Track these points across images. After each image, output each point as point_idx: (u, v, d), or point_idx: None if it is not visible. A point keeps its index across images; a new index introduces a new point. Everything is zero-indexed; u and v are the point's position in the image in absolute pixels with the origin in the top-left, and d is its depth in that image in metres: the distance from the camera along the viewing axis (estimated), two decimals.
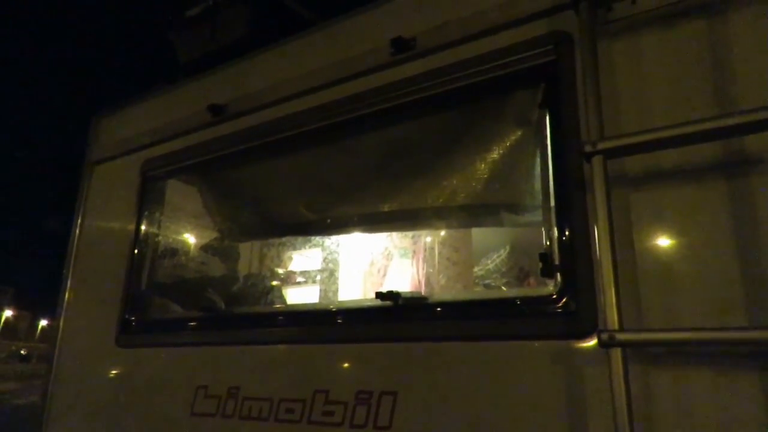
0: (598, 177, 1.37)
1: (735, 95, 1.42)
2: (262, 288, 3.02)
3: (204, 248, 2.81)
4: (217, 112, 2.48)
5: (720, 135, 1.29)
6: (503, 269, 3.35)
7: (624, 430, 1.18)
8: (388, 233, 2.78)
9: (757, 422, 1.22)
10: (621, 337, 1.23)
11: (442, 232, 2.71)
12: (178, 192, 2.77)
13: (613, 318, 1.27)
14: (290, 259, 3.53)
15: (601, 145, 1.38)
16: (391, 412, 1.70)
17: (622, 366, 1.23)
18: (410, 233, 2.73)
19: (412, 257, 2.85)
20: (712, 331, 1.18)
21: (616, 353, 1.23)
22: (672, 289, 1.38)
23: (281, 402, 1.94)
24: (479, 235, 3.02)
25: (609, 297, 1.29)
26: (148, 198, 2.70)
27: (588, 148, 1.39)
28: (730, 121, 1.25)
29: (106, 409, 2.44)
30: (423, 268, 3.01)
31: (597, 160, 1.38)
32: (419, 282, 2.98)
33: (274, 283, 3.22)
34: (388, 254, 3.22)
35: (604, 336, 1.24)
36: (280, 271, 3.41)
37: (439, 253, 2.78)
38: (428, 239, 2.90)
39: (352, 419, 1.76)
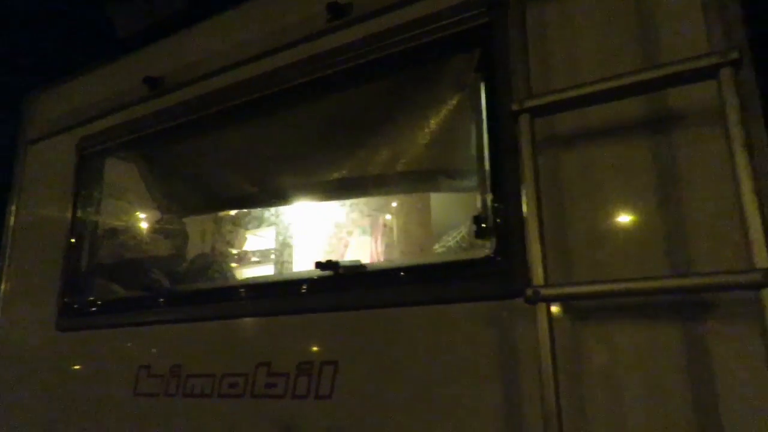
0: (525, 135, 1.37)
1: (662, 49, 1.42)
2: (213, 268, 2.96)
3: (148, 228, 2.73)
4: (154, 85, 2.40)
5: (644, 89, 1.30)
6: (464, 246, 3.36)
7: (549, 386, 1.19)
8: (348, 211, 2.75)
9: (681, 372, 1.25)
10: (545, 292, 1.24)
11: (401, 209, 2.70)
12: (118, 170, 2.68)
13: (538, 274, 1.27)
14: (244, 239, 3.47)
15: (527, 104, 1.38)
16: (332, 381, 1.69)
17: (547, 321, 1.24)
18: (369, 212, 2.71)
19: (372, 235, 2.83)
20: (633, 281, 1.18)
21: (542, 308, 1.24)
22: (601, 246, 1.39)
23: (224, 377, 1.91)
24: (440, 213, 3.01)
25: (535, 254, 1.29)
26: (85, 177, 2.60)
27: (515, 107, 1.38)
28: (654, 74, 1.25)
29: (48, 394, 2.38)
30: (382, 247, 3.00)
31: (524, 119, 1.38)
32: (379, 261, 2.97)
33: (228, 262, 3.16)
34: (347, 233, 3.20)
35: (529, 292, 1.25)
36: (234, 251, 3.35)
37: (399, 231, 2.77)
38: (388, 217, 2.88)
39: (294, 390, 1.75)
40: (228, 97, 2.19)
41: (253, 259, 3.44)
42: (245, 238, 3.47)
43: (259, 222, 3.37)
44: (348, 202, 2.11)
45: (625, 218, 1.38)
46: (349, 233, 3.02)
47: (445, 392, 1.51)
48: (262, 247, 3.50)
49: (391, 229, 2.98)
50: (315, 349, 1.76)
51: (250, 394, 1.84)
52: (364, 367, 1.66)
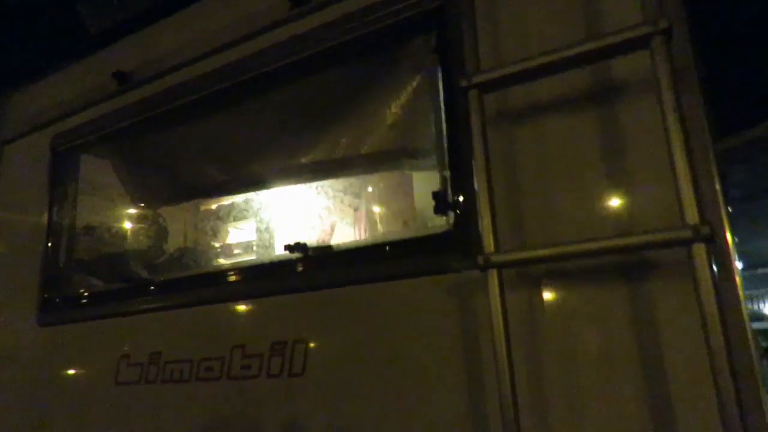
0: (475, 110, 1.42)
1: (606, 21, 1.47)
2: (194, 261, 3.00)
3: (125, 222, 2.76)
4: (123, 80, 2.43)
5: (582, 61, 1.35)
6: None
7: (501, 352, 1.25)
8: (328, 202, 2.78)
9: (630, 330, 1.31)
10: (496, 258, 1.29)
11: (382, 191, 2.73)
12: (92, 166, 2.71)
13: (489, 242, 1.33)
14: (226, 232, 3.50)
15: (475, 79, 1.42)
16: (304, 359, 1.74)
17: (499, 287, 1.29)
18: (352, 204, 2.75)
19: (354, 225, 2.87)
20: (578, 243, 1.23)
21: (493, 275, 1.29)
22: (552, 215, 1.45)
23: (201, 361, 1.96)
24: (425, 202, 3.03)
25: (485, 223, 1.34)
26: (60, 174, 2.62)
27: (464, 83, 1.43)
28: (590, 46, 1.30)
29: (32, 388, 2.41)
30: (367, 229, 3.03)
31: (473, 94, 1.43)
32: None
33: (211, 256, 3.20)
34: (331, 225, 3.24)
35: (480, 259, 1.30)
36: (216, 244, 3.38)
37: (381, 223, 2.80)
38: (375, 209, 2.91)
39: (268, 370, 1.80)
40: (195, 88, 2.22)
41: (236, 251, 3.48)
42: (228, 232, 3.50)
43: (241, 215, 3.40)
44: (332, 190, 2.15)
45: (574, 187, 1.44)
46: (332, 225, 3.07)
47: (412, 364, 1.56)
48: (245, 239, 3.53)
49: (375, 223, 3.02)
50: (287, 329, 1.81)
51: (226, 376, 1.88)
52: (334, 343, 1.72)
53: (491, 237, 1.33)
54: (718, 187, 1.29)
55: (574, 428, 1.29)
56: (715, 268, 1.10)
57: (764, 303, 14.69)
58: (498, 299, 1.28)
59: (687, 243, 1.11)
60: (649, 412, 1.23)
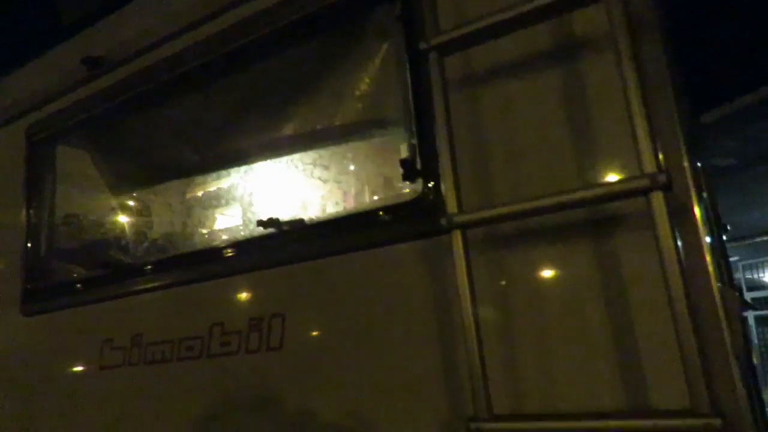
0: (435, 72, 1.40)
1: None
2: (182, 247, 2.99)
3: (106, 210, 2.75)
4: (93, 65, 2.40)
5: (539, 16, 1.33)
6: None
7: (467, 313, 1.24)
8: (298, 176, 2.78)
9: (598, 287, 1.30)
10: (459, 219, 1.29)
11: (353, 172, 2.72)
12: (70, 154, 2.69)
13: (452, 202, 1.32)
14: (212, 218, 3.49)
15: (434, 41, 1.40)
16: (282, 334, 1.74)
17: (463, 247, 1.28)
18: (322, 176, 2.74)
19: (325, 197, 2.85)
20: (538, 198, 1.21)
21: (457, 236, 1.29)
22: (517, 173, 1.44)
23: (182, 341, 1.96)
24: (396, 170, 3.03)
25: (448, 183, 1.33)
26: (37, 164, 2.61)
27: (423, 45, 1.41)
28: (545, 1, 1.28)
29: (18, 377, 2.42)
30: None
31: (433, 56, 1.41)
32: None
33: (194, 241, 3.19)
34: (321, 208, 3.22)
35: (443, 220, 1.29)
36: (204, 231, 3.37)
37: (353, 193, 2.79)
38: (346, 180, 2.90)
39: (247, 346, 1.80)
40: (165, 70, 2.20)
41: (224, 237, 3.47)
42: (214, 218, 3.49)
43: (226, 201, 3.39)
44: (301, 164, 2.12)
45: (540, 144, 1.42)
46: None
47: (386, 331, 1.56)
48: (232, 224, 3.52)
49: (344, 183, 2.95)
50: (264, 304, 1.81)
51: (206, 354, 1.89)
52: (310, 316, 1.71)
53: (454, 197, 1.32)
54: (681, 137, 1.28)
55: (543, 383, 1.29)
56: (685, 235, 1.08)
57: (764, 272, 14.72)
58: (462, 260, 1.27)
59: (644, 192, 1.10)
60: (618, 367, 1.23)
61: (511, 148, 1.46)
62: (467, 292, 1.25)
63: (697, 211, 1.22)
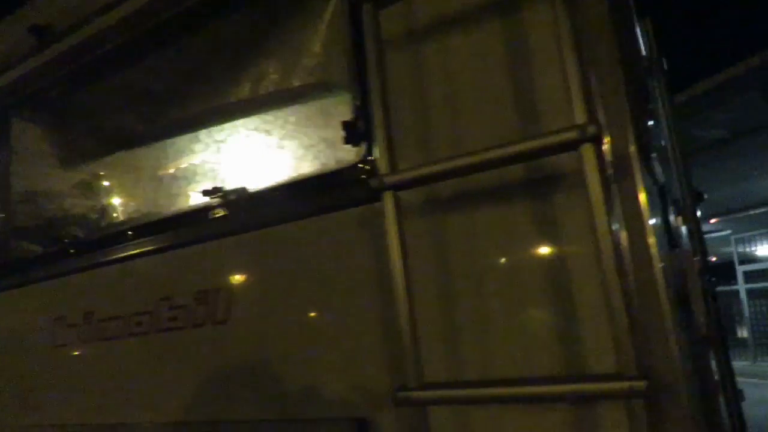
0: (369, 26, 1.33)
1: None
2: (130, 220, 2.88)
3: (63, 184, 2.67)
4: (41, 34, 2.31)
5: None
6: None
7: (398, 280, 1.18)
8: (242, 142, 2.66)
9: (533, 244, 1.24)
10: (390, 179, 1.22)
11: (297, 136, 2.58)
12: (23, 128, 2.61)
13: (384, 163, 1.25)
14: (161, 189, 3.34)
15: None
16: (227, 306, 1.68)
17: (394, 210, 1.22)
18: (266, 142, 2.60)
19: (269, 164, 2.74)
20: (469, 155, 1.15)
21: (389, 198, 1.22)
22: (458, 129, 1.37)
23: (132, 317, 1.91)
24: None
25: (380, 142, 1.27)
26: None
27: None
28: None
29: None
30: None
31: (367, 9, 1.33)
32: None
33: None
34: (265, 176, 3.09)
35: (374, 182, 1.23)
36: (151, 202, 3.24)
37: (296, 159, 2.67)
38: (290, 145, 2.75)
39: (194, 320, 1.75)
40: (111, 37, 2.11)
41: (171, 208, 3.31)
42: (162, 189, 3.36)
43: (201, 177, 3.31)
44: (244, 129, 2.03)
45: (482, 100, 1.35)
46: None
47: (329, 299, 1.51)
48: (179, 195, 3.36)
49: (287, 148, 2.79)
50: (210, 277, 1.75)
51: (155, 330, 1.84)
52: (256, 287, 1.66)
53: (386, 158, 1.26)
54: (623, 90, 1.21)
55: (481, 350, 1.24)
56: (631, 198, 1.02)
57: (756, 245, 14.73)
58: (394, 223, 1.21)
59: (574, 145, 1.03)
60: (555, 333, 1.17)
61: (452, 104, 1.39)
62: (398, 257, 1.19)
63: (636, 169, 1.15)
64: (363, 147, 1.52)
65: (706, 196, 3.54)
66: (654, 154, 1.46)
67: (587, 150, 1.02)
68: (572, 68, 1.07)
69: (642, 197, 1.13)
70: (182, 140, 2.05)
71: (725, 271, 16.85)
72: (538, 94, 1.28)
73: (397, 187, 1.22)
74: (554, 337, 1.17)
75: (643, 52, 2.67)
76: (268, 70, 1.80)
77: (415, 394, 1.12)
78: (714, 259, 21.62)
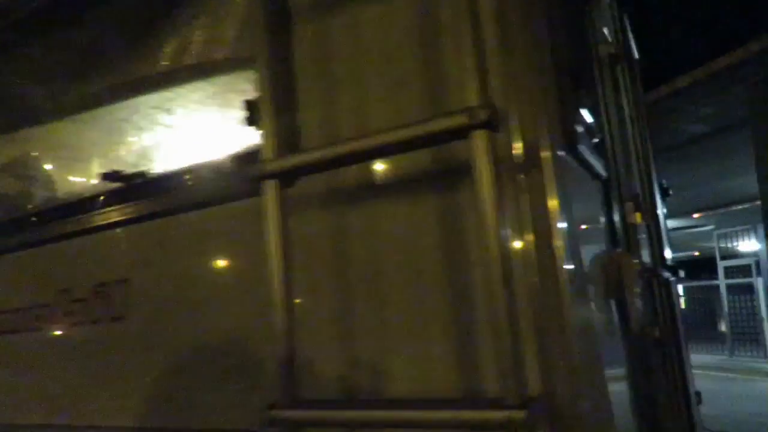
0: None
1: None
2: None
3: None
4: None
5: None
6: None
7: (276, 282, 1.04)
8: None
9: (434, 235, 1.10)
10: (270, 167, 1.07)
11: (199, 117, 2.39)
12: None
13: (269, 148, 1.10)
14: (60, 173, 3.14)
15: None
16: (126, 301, 1.53)
17: (275, 201, 1.06)
18: (165, 122, 2.41)
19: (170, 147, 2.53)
20: (356, 140, 1.00)
21: (270, 188, 1.07)
22: (362, 111, 1.22)
23: (30, 310, 1.75)
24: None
25: (266, 125, 1.12)
26: None
27: None
28: None
29: None
30: None
31: None
32: None
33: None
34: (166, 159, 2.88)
35: (254, 169, 1.08)
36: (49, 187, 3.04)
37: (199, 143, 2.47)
38: (192, 127, 2.54)
39: (91, 315, 1.60)
40: (14, 9, 1.93)
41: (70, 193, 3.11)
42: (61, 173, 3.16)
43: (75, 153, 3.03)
44: (143, 107, 1.85)
45: (384, 80, 1.20)
46: None
47: (225, 290, 1.37)
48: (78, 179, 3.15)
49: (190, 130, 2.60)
50: (110, 268, 1.60)
51: (52, 323, 1.69)
52: (153, 281, 1.51)
53: (271, 142, 1.10)
54: (536, 72, 1.06)
55: (374, 366, 1.10)
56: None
57: (738, 240, 14.76)
58: (274, 218, 1.05)
59: (464, 131, 0.88)
60: (451, 351, 1.03)
61: (361, 84, 1.24)
62: (278, 257, 1.04)
63: (547, 161, 1.01)
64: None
65: (671, 192, 3.42)
66: (584, 145, 1.31)
67: (479, 137, 0.87)
68: (468, 46, 0.92)
69: (550, 193, 0.99)
70: (82, 120, 1.87)
71: (708, 266, 16.92)
72: (451, 76, 1.13)
73: (277, 176, 1.06)
74: (452, 353, 1.03)
75: (609, 39, 2.53)
76: (170, 45, 1.63)
77: (287, 413, 0.98)
78: (697, 254, 21.74)
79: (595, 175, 1.61)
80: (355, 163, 1.05)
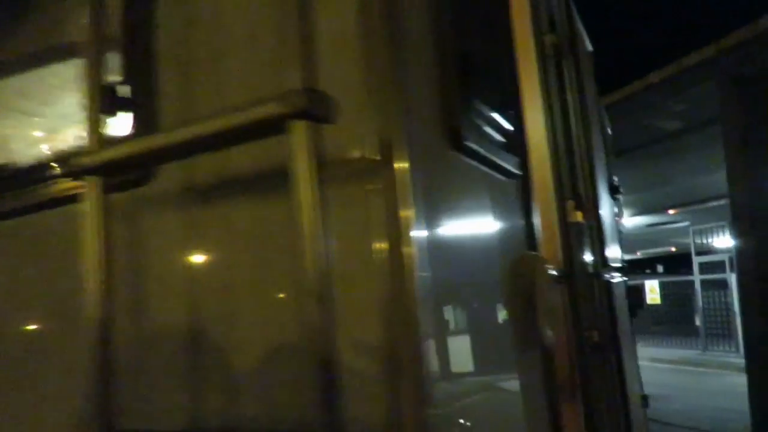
0: None
1: None
2: None
3: None
4: None
5: None
6: None
7: (92, 293, 0.89)
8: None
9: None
10: (86, 160, 0.92)
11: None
12: None
13: (94, 139, 0.95)
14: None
15: None
16: None
17: (97, 200, 0.92)
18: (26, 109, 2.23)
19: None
20: (165, 134, 0.86)
21: (89, 184, 0.92)
22: (222, 95, 1.08)
23: None
24: None
25: (89, 113, 0.97)
26: None
27: None
28: None
29: None
30: None
31: None
32: None
33: None
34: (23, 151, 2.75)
35: (67, 164, 0.93)
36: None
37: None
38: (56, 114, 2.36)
39: None
40: None
41: None
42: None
43: None
44: None
45: (245, 63, 1.06)
46: None
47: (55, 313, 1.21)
48: None
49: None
50: None
51: None
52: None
53: (96, 133, 0.96)
54: (384, 59, 0.93)
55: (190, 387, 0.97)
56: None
57: (713, 237, 14.85)
58: (93, 218, 0.91)
59: (278, 122, 0.74)
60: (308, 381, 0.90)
61: (221, 67, 1.10)
62: (95, 266, 0.90)
63: (398, 159, 0.87)
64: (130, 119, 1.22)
65: (622, 191, 3.33)
66: (483, 142, 1.19)
67: (296, 129, 0.74)
68: (305, 30, 0.79)
69: (402, 196, 0.86)
70: None
71: (685, 262, 17.05)
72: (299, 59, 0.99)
73: (93, 172, 0.92)
74: (304, 386, 0.90)
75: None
76: (36, 22, 1.46)
77: None
78: (674, 249, 21.95)
79: (509, 174, 1.49)
80: (172, 160, 0.91)
